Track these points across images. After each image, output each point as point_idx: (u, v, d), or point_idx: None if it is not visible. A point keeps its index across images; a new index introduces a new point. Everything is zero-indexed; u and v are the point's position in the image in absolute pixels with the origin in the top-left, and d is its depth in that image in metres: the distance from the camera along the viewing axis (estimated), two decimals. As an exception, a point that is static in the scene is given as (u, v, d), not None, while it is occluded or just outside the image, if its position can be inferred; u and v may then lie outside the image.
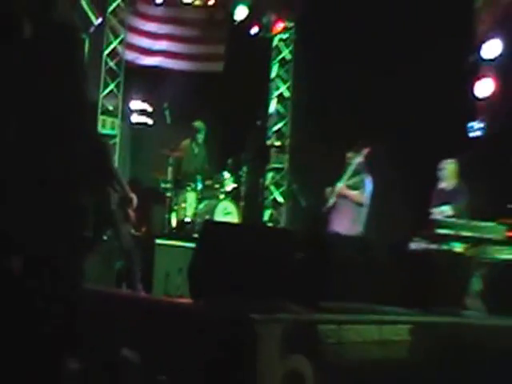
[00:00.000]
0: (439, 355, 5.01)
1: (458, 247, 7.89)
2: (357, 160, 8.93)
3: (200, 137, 10.17)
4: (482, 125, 10.18)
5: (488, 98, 10.16)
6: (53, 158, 3.26)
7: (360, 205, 8.93)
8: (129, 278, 7.66)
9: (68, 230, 3.37)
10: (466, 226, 7.86)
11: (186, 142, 10.25)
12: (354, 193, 8.93)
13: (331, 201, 9.09)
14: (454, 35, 9.55)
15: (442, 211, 8.33)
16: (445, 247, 7.71)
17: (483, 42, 10.22)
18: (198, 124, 10.17)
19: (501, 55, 10.07)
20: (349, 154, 9.07)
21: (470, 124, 10.21)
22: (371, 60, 10.40)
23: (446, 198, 8.59)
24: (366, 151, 8.90)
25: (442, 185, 8.74)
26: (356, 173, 8.99)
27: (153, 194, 10.39)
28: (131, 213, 7.70)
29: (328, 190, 9.16)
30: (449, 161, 8.73)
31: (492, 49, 10.16)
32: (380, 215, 9.21)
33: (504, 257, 7.91)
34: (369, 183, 8.98)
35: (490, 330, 5.76)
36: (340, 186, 8.99)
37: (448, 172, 8.69)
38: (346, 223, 8.82)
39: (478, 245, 7.88)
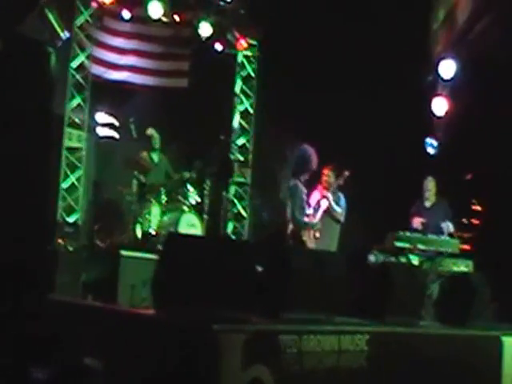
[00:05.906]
0: (395, 364, 5.20)
1: (415, 260, 8.14)
2: (338, 181, 8.93)
3: (155, 143, 10.16)
4: (436, 142, 10.44)
5: (443, 116, 10.39)
6: (21, 169, 3.33)
7: (338, 222, 8.95)
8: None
9: (36, 242, 3.45)
10: (422, 240, 8.10)
11: (144, 154, 10.19)
12: (338, 210, 8.95)
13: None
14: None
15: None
16: (402, 260, 7.95)
17: (440, 61, 10.47)
18: (149, 131, 10.14)
19: (455, 75, 10.32)
20: (325, 172, 9.03)
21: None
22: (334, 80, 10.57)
23: (428, 214, 8.75)
24: (347, 173, 8.90)
25: (427, 204, 8.91)
26: (334, 191, 9.00)
27: (118, 206, 10.38)
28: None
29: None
30: (429, 178, 8.90)
31: (447, 69, 10.39)
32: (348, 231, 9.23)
33: (458, 269, 8.18)
34: (344, 201, 9.03)
35: (443, 339, 5.98)
36: (327, 203, 8.92)
37: (431, 190, 8.88)
38: (327, 240, 8.75)
39: (433, 258, 8.15)
